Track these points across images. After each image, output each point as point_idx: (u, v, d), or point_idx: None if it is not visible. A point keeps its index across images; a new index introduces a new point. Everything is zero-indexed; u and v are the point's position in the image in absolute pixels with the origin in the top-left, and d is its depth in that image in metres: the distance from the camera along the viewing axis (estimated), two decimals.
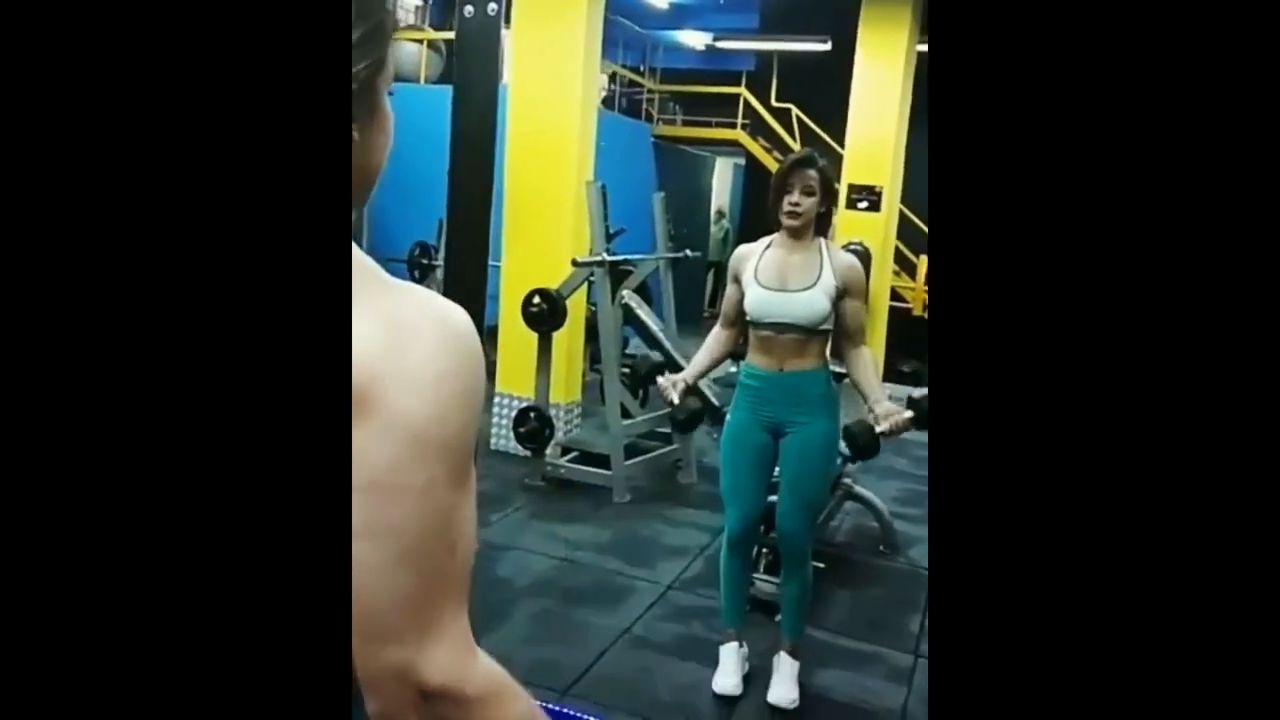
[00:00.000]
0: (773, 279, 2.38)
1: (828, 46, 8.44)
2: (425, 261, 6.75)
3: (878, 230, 6.82)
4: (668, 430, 4.48)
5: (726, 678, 2.61)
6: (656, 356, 3.14)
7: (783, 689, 2.56)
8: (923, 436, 2.43)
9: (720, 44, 10.07)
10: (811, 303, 2.34)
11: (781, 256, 2.40)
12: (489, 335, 4.60)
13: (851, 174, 6.84)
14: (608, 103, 8.88)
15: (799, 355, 2.38)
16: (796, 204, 2.35)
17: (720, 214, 12.34)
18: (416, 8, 9.08)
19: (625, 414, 4.43)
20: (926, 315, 8.05)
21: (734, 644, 2.65)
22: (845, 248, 5.11)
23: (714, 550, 3.49)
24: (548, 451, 4.37)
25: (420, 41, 8.08)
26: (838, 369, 2.58)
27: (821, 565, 3.21)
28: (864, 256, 6.33)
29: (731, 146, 10.50)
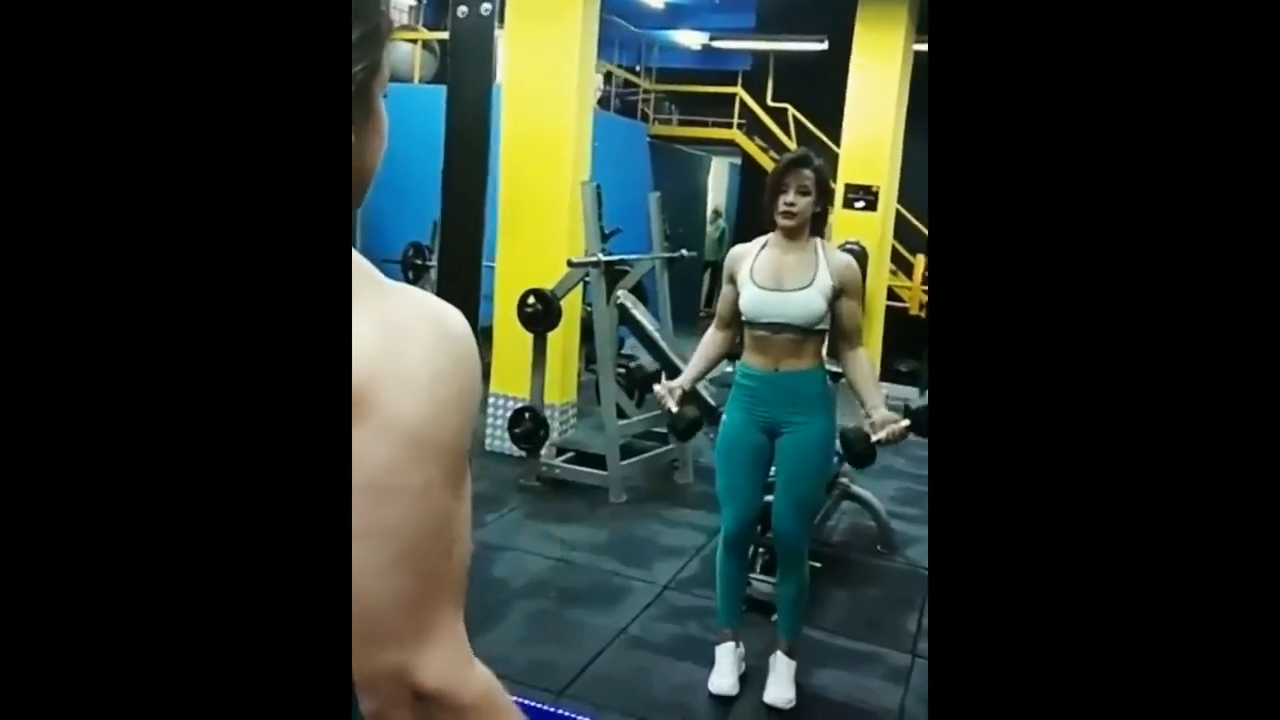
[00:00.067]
0: (768, 279, 2.37)
1: (824, 46, 8.45)
2: (419, 262, 6.75)
3: (874, 230, 6.83)
4: (663, 430, 4.48)
5: (723, 678, 2.60)
6: (654, 364, 3.14)
7: (779, 689, 2.55)
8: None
9: (716, 44, 10.08)
10: (807, 303, 2.33)
11: (777, 256, 2.40)
12: (484, 336, 4.60)
13: (848, 173, 6.85)
14: (603, 103, 8.88)
15: (795, 355, 2.38)
16: (792, 204, 2.35)
17: (716, 214, 12.35)
18: (410, 8, 9.09)
19: (621, 414, 4.43)
20: (924, 315, 8.06)
21: (730, 644, 2.65)
22: (842, 247, 5.14)
23: (710, 550, 3.49)
24: (543, 452, 4.36)
25: (414, 42, 8.07)
26: (834, 368, 2.57)
27: (818, 565, 3.21)
28: (860, 256, 6.33)
29: (728, 146, 10.50)
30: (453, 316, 0.61)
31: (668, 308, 4.76)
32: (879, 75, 6.68)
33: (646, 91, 10.55)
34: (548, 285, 4.23)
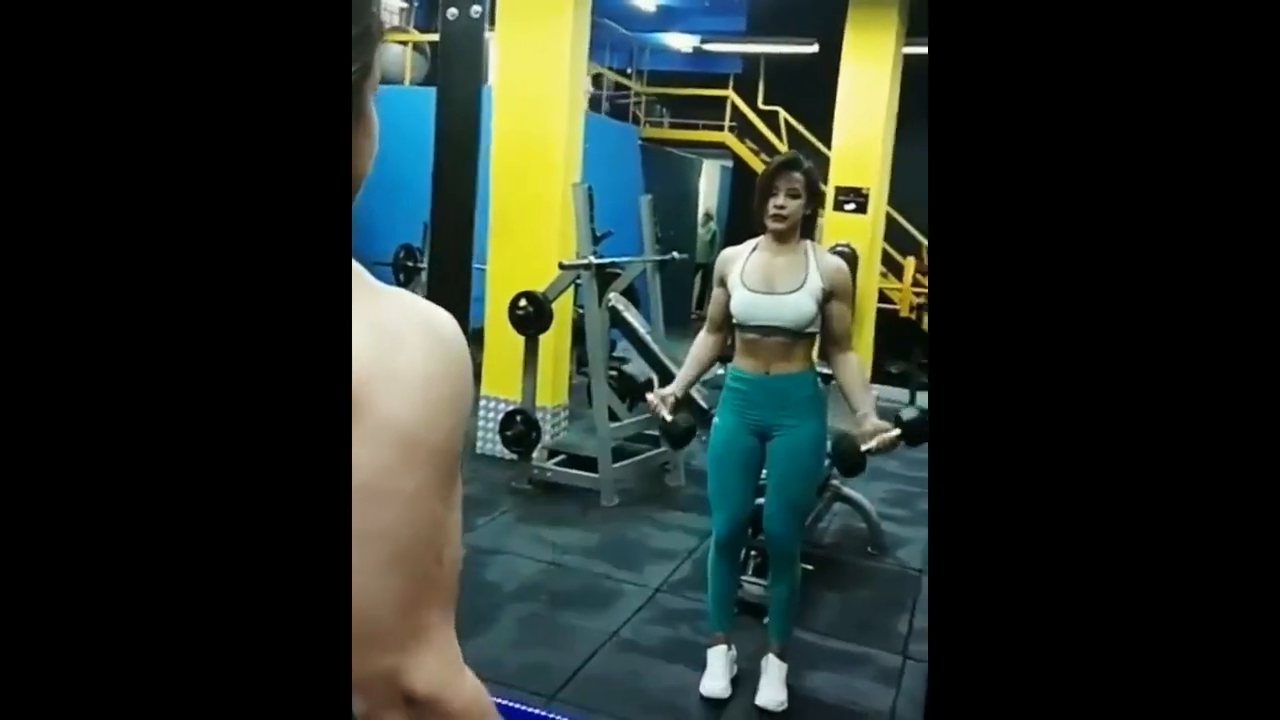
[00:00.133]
0: (759, 282, 2.37)
1: (815, 49, 8.47)
2: (410, 264, 6.73)
3: (865, 232, 6.84)
4: (655, 433, 4.47)
5: (714, 680, 2.60)
6: (644, 376, 3.14)
7: (771, 691, 2.55)
8: None
9: (707, 46, 10.08)
10: (798, 305, 2.33)
11: (767, 259, 2.40)
12: (475, 338, 4.59)
13: (839, 176, 6.86)
14: (594, 105, 8.88)
15: (785, 358, 2.38)
16: (781, 207, 2.35)
17: (708, 216, 12.36)
18: (401, 10, 9.07)
19: (612, 417, 4.42)
20: (914, 316, 8.08)
21: (722, 647, 2.64)
22: (832, 250, 5.15)
23: (702, 553, 3.49)
24: (535, 455, 4.36)
25: (405, 44, 8.06)
26: (824, 371, 2.58)
27: (810, 567, 3.21)
28: (851, 258, 6.35)
29: (719, 149, 10.52)
30: (444, 319, 0.61)
31: (659, 310, 4.76)
32: (869, 78, 6.70)
33: (638, 94, 10.56)
34: (539, 288, 4.23)
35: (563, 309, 4.52)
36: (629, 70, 10.56)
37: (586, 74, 5.13)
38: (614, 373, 4.89)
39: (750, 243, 2.47)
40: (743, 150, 9.88)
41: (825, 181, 6.39)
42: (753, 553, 3.16)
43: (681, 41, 10.85)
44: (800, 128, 9.34)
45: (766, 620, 2.68)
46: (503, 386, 4.62)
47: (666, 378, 4.22)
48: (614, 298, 4.44)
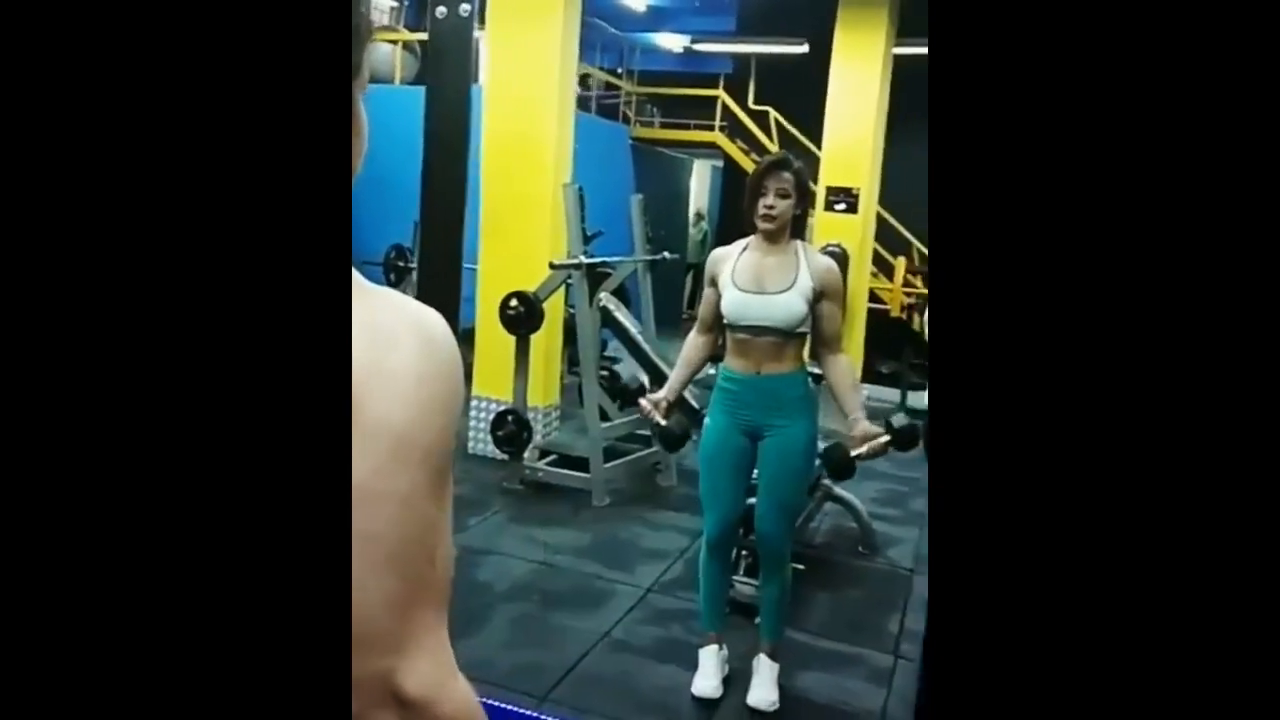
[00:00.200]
0: (749, 282, 2.37)
1: (805, 49, 8.48)
2: (401, 264, 6.71)
3: (855, 232, 6.86)
4: (647, 432, 4.47)
5: (706, 680, 2.60)
6: (640, 378, 3.13)
7: (762, 691, 2.55)
8: None
9: (698, 46, 10.08)
10: (789, 305, 2.33)
11: (758, 259, 2.40)
12: (466, 338, 4.58)
13: (829, 176, 6.88)
14: (582, 105, 8.88)
15: (776, 358, 2.38)
16: (771, 206, 2.35)
17: (699, 216, 12.36)
18: (391, 9, 9.05)
19: (604, 416, 4.42)
20: (904, 316, 8.10)
21: (714, 646, 2.64)
22: (823, 250, 5.16)
23: (693, 553, 3.49)
24: (526, 455, 4.35)
25: (395, 43, 8.04)
26: (815, 370, 2.58)
27: (801, 567, 3.21)
28: (842, 258, 6.36)
29: (710, 149, 10.51)
30: (435, 320, 0.61)
31: (650, 310, 4.76)
32: (859, 78, 6.72)
33: (628, 94, 10.55)
34: (530, 287, 4.22)
35: (554, 309, 4.52)
36: (619, 70, 10.55)
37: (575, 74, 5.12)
38: (605, 372, 4.88)
39: (741, 242, 2.47)
40: (733, 150, 9.88)
41: (815, 181, 6.40)
42: (744, 553, 3.17)
43: (672, 41, 10.84)
44: (791, 127, 9.36)
45: (758, 620, 2.69)
46: (494, 386, 4.61)
47: (658, 377, 4.22)
48: (605, 297, 4.43)
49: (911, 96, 7.07)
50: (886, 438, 2.36)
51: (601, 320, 4.47)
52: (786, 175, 2.36)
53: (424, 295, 4.80)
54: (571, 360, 5.16)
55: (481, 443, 4.63)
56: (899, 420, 2.38)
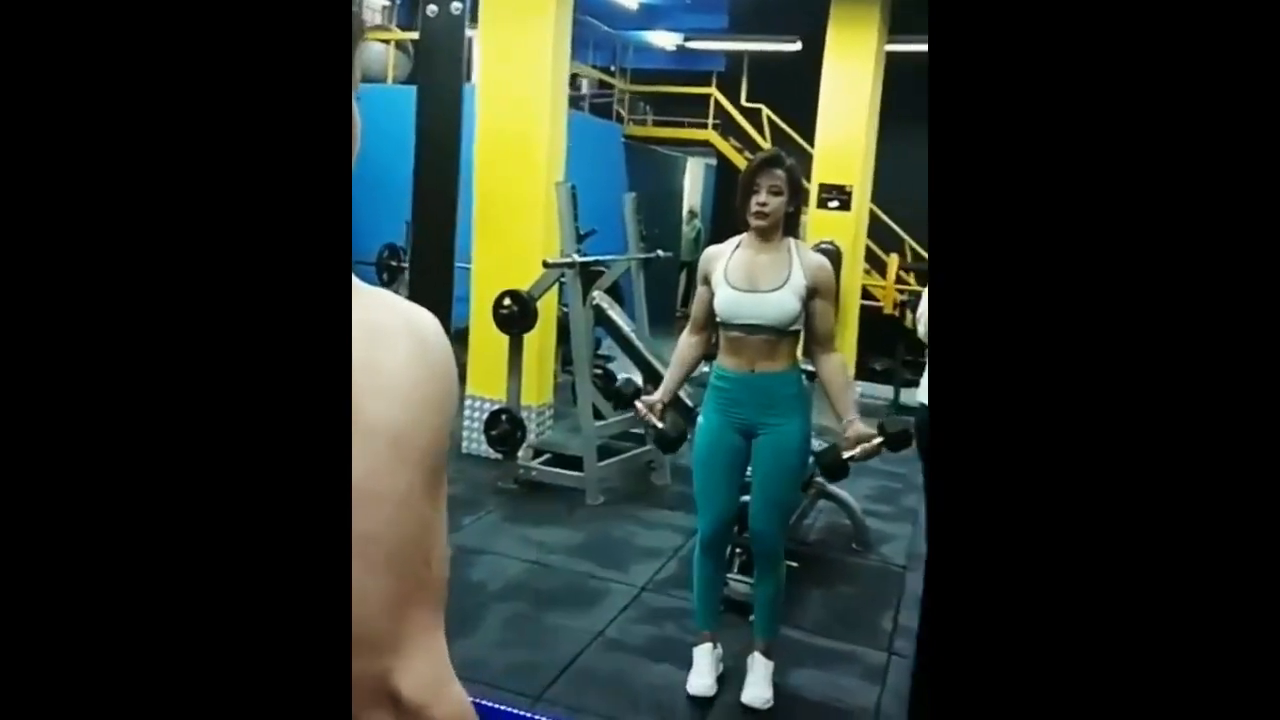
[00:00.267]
0: (742, 280, 2.37)
1: (797, 47, 8.48)
2: (394, 264, 6.70)
3: (848, 229, 6.86)
4: (640, 431, 4.47)
5: (700, 679, 2.60)
6: (635, 381, 3.13)
7: (757, 689, 2.56)
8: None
9: (690, 44, 10.08)
10: (781, 303, 2.33)
11: (750, 257, 2.40)
12: (460, 337, 4.57)
13: (822, 173, 6.88)
14: (574, 104, 8.86)
15: (769, 357, 2.38)
16: (764, 204, 2.35)
17: (692, 214, 12.35)
18: (384, 7, 9.02)
19: (597, 415, 4.42)
20: (897, 313, 8.11)
21: (708, 645, 2.65)
22: (816, 247, 5.15)
23: (687, 551, 3.49)
24: (520, 454, 4.35)
25: (387, 42, 8.02)
26: (808, 368, 2.58)
27: (795, 564, 3.21)
28: (835, 256, 6.36)
29: (703, 147, 10.51)
30: (427, 320, 0.60)
31: (644, 308, 4.75)
32: (851, 75, 6.72)
33: (621, 92, 10.54)
34: (523, 286, 4.22)
35: (547, 308, 4.52)
36: (612, 68, 10.54)
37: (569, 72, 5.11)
38: (599, 371, 4.88)
39: (734, 240, 2.47)
40: (726, 148, 9.88)
41: (808, 179, 6.40)
42: (738, 550, 3.17)
43: (664, 39, 10.83)
44: (784, 125, 9.36)
45: (752, 618, 2.69)
46: (488, 386, 4.60)
47: (652, 376, 4.23)
48: (598, 296, 4.43)
49: (904, 94, 7.07)
50: (879, 439, 2.37)
51: (595, 319, 4.47)
52: (779, 172, 2.36)
53: (416, 294, 4.79)
54: (565, 359, 5.16)
55: (475, 442, 4.63)
56: (892, 424, 2.39)
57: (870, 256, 8.01)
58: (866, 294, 7.82)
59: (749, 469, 2.49)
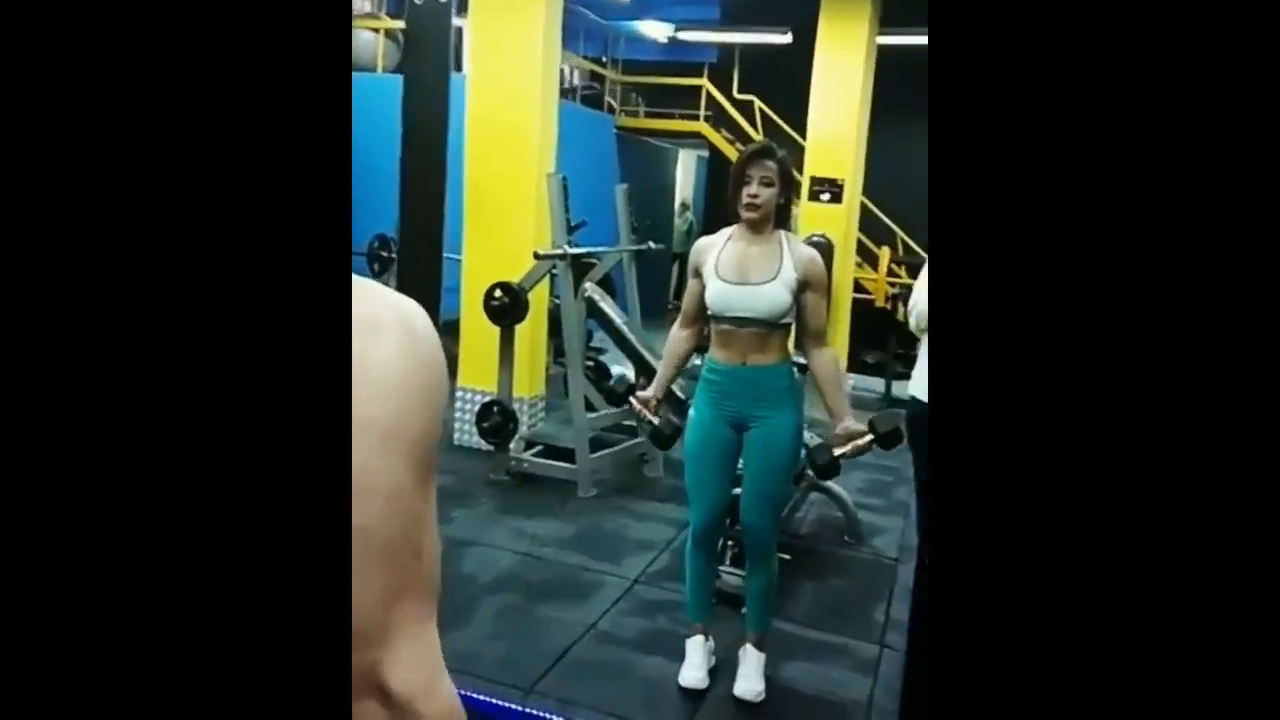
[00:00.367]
0: (733, 272, 2.36)
1: (788, 38, 8.46)
2: (385, 254, 6.67)
3: (839, 222, 6.86)
4: (632, 423, 4.47)
5: (692, 671, 2.60)
6: (628, 377, 3.12)
7: (748, 682, 2.56)
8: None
9: (682, 35, 10.05)
10: (772, 296, 2.32)
11: (741, 249, 2.39)
12: (450, 329, 4.55)
13: (814, 166, 6.87)
14: (568, 94, 8.83)
15: (761, 350, 2.37)
16: (755, 195, 2.34)
17: (684, 206, 12.34)
18: None
19: (589, 407, 4.41)
20: (889, 306, 8.12)
21: (700, 637, 2.65)
22: (808, 240, 5.15)
23: (680, 544, 3.49)
24: (511, 446, 4.34)
25: (376, 30, 7.96)
26: (800, 360, 2.58)
27: (787, 557, 3.22)
28: (826, 249, 6.36)
29: (694, 138, 10.49)
30: (415, 311, 0.60)
31: (636, 300, 4.74)
32: (843, 68, 6.71)
33: (613, 83, 10.51)
34: (514, 278, 4.20)
35: (538, 300, 4.50)
36: (604, 59, 10.50)
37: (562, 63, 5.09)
38: (591, 363, 4.87)
39: (725, 232, 2.46)
40: (718, 139, 9.87)
41: (800, 171, 6.40)
42: (730, 543, 3.17)
43: (656, 30, 10.79)
44: (775, 117, 9.35)
45: (744, 610, 2.69)
46: (479, 378, 4.59)
47: (644, 368, 4.22)
48: (590, 288, 4.42)
49: (895, 86, 7.08)
50: (870, 437, 2.37)
51: (587, 311, 4.45)
52: (770, 164, 2.35)
53: (404, 285, 4.76)
54: (557, 351, 5.15)
55: (467, 434, 4.62)
56: (882, 422, 2.39)
57: (862, 249, 8.02)
58: (858, 287, 7.84)
59: (741, 462, 2.49)
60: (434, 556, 0.61)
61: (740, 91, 9.88)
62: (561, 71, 8.48)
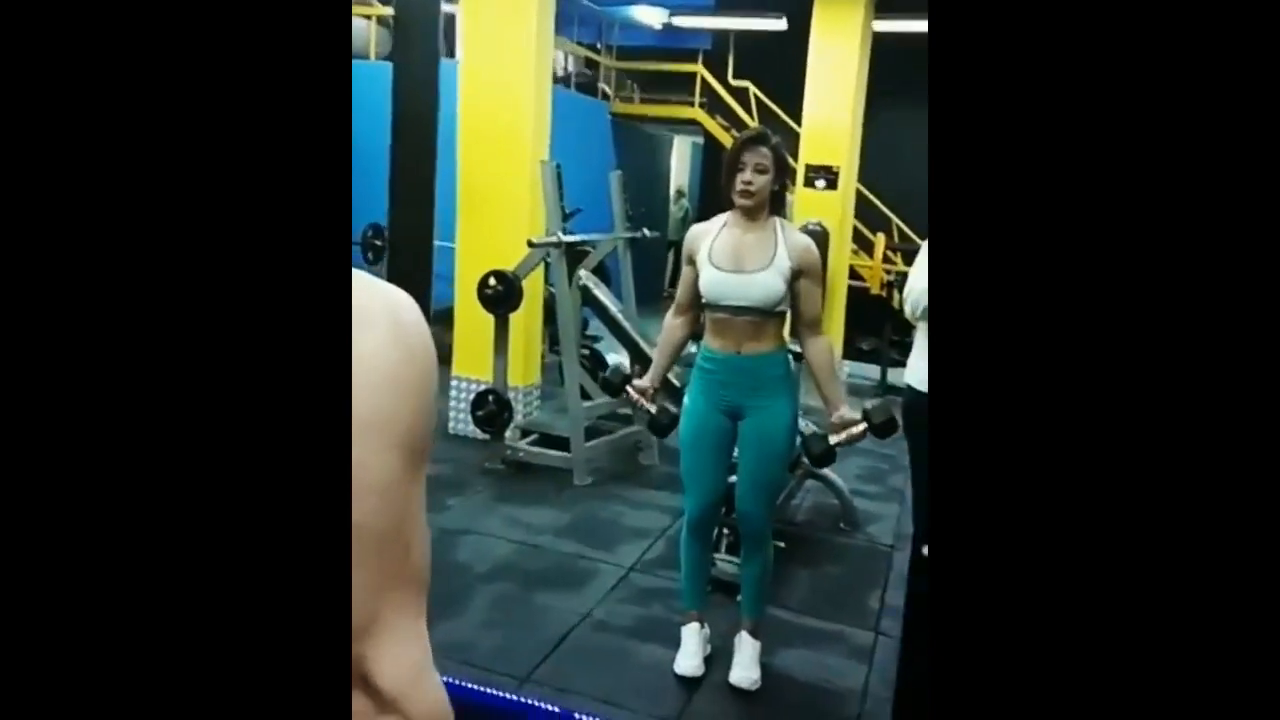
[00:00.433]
0: (727, 260, 2.35)
1: (783, 24, 8.42)
2: (379, 243, 6.64)
3: (835, 209, 6.84)
4: (628, 411, 4.46)
5: (688, 659, 2.60)
6: (624, 368, 3.12)
7: (744, 670, 2.56)
8: None
9: (676, 21, 10.00)
10: (766, 284, 2.31)
11: (736, 236, 2.37)
12: (442, 317, 4.53)
13: (809, 153, 6.85)
14: (562, 81, 8.79)
15: (756, 338, 2.36)
16: (749, 182, 2.32)
17: (679, 193, 12.31)
18: None
19: (585, 395, 4.40)
20: (884, 294, 8.12)
21: (695, 625, 2.65)
22: (803, 228, 5.15)
23: (675, 531, 3.49)
24: (507, 434, 4.33)
25: (369, 17, 7.91)
26: (795, 348, 2.57)
27: (782, 544, 3.22)
28: (822, 236, 6.35)
29: (690, 125, 10.45)
30: (404, 303, 0.59)
31: (631, 288, 4.73)
32: (838, 54, 6.67)
33: (607, 69, 10.45)
34: (509, 266, 4.18)
35: (533, 288, 4.48)
36: (598, 45, 10.45)
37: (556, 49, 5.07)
38: (586, 351, 4.86)
39: (719, 218, 2.44)
40: (713, 126, 9.82)
41: (795, 157, 6.38)
42: (725, 531, 3.17)
43: (650, 16, 10.73)
44: (770, 103, 9.31)
45: (739, 598, 2.69)
46: (474, 367, 4.58)
47: (639, 356, 4.21)
48: (585, 276, 4.40)
49: (890, 73, 7.05)
50: (863, 426, 2.37)
51: (581, 299, 4.44)
52: (764, 150, 2.33)
53: (394, 272, 4.75)
54: (552, 339, 5.13)
55: (462, 423, 4.61)
56: (877, 412, 2.39)
57: (857, 236, 8.01)
58: (854, 274, 7.83)
59: (736, 450, 2.49)
60: (424, 549, 0.60)
61: (735, 78, 9.83)
62: (555, 58, 8.44)
